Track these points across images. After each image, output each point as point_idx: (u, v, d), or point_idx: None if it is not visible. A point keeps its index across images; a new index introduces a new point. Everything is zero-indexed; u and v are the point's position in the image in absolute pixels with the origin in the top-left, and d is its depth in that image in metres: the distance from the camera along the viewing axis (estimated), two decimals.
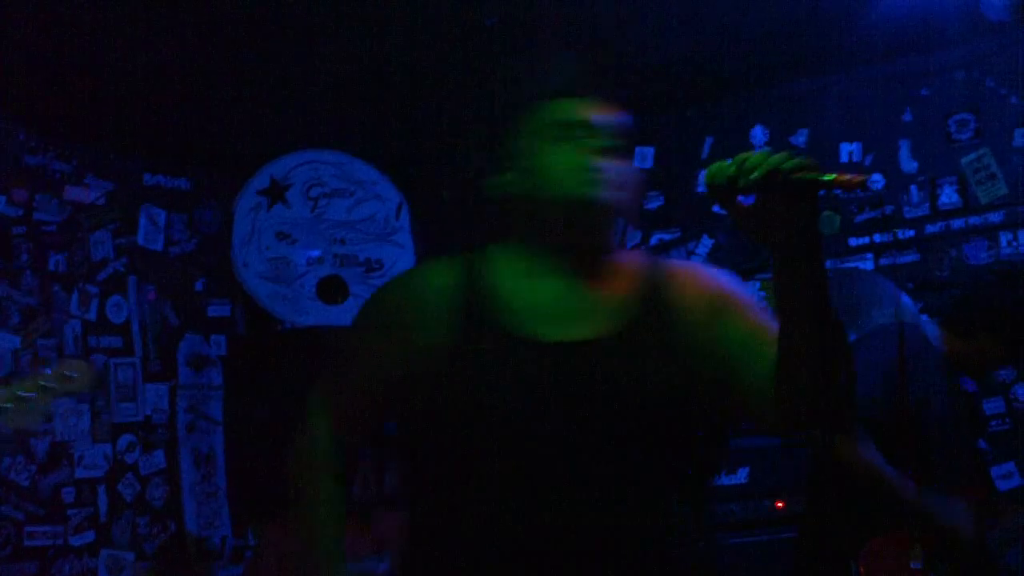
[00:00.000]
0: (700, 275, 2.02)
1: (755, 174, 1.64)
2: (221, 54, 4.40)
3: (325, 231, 5.47)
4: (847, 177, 1.61)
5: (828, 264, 4.99)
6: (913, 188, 4.98)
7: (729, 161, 1.71)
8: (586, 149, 1.95)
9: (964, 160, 4.89)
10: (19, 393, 3.04)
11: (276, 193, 5.42)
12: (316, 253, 5.44)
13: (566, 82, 2.05)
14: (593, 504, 1.83)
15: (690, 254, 5.33)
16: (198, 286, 5.63)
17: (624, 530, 1.84)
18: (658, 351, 1.91)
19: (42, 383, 3.07)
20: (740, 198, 1.71)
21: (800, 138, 5.17)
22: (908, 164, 5.00)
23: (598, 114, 2.00)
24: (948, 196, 4.91)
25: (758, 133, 5.23)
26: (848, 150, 5.10)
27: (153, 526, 5.23)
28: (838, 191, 1.64)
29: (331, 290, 5.43)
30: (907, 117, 5.00)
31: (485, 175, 2.07)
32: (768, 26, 4.50)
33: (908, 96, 5.01)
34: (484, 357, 1.91)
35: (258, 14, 4.09)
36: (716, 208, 1.84)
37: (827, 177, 1.62)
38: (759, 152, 1.68)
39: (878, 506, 3.34)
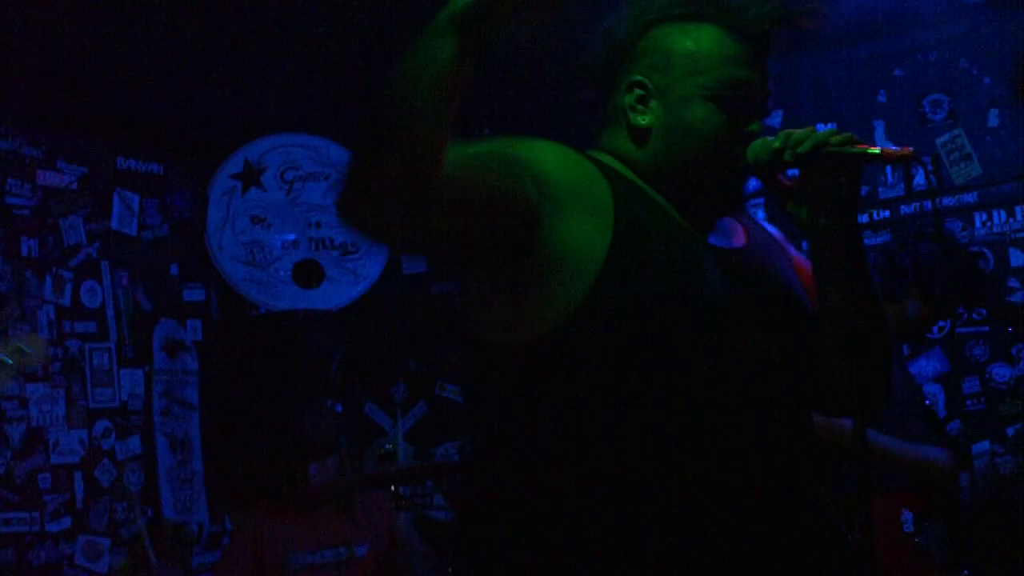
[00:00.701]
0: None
1: (803, 147, 1.67)
2: (193, 37, 4.37)
3: (300, 214, 5.45)
4: (895, 150, 1.63)
5: (803, 245, 5.03)
6: (888, 169, 5.00)
7: (772, 138, 1.73)
8: (747, 123, 1.78)
9: (938, 141, 4.90)
10: None
11: (250, 177, 5.39)
12: (291, 237, 5.42)
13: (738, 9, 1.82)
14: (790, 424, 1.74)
15: None
16: (172, 271, 5.60)
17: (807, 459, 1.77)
18: (782, 266, 1.89)
19: None
20: (782, 176, 1.75)
21: (775, 119, 5.16)
22: (883, 145, 4.99)
23: (765, 84, 1.85)
24: (922, 177, 4.92)
25: None
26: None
27: (130, 512, 5.21)
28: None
29: (307, 274, 5.41)
30: (881, 98, 5.01)
31: (616, 94, 1.84)
32: None
33: (882, 77, 5.02)
34: (670, 246, 1.72)
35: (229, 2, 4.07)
36: (756, 184, 1.82)
37: (874, 150, 1.66)
38: (805, 128, 1.72)
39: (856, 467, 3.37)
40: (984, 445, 4.67)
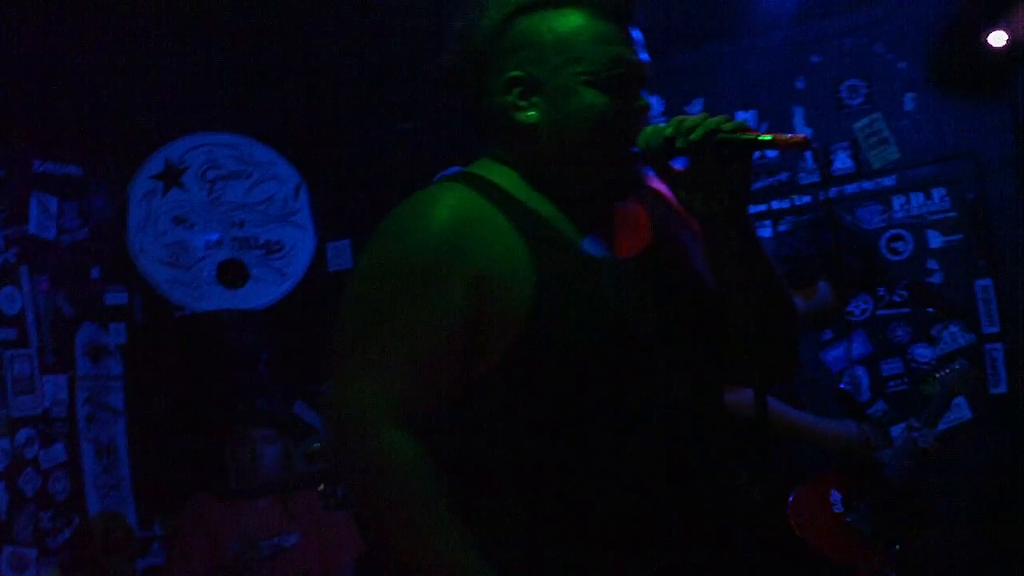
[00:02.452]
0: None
1: (695, 134, 1.65)
2: (109, 36, 4.31)
3: (223, 214, 5.39)
4: (787, 136, 1.63)
5: None
6: (808, 155, 5.05)
7: (663, 124, 1.72)
8: (634, 106, 1.76)
9: (856, 125, 4.97)
10: None
11: (171, 177, 5.32)
12: (215, 237, 5.36)
13: None
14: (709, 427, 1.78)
15: None
16: (94, 274, 5.51)
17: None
18: (686, 263, 1.87)
19: None
20: (673, 162, 1.72)
21: (695, 107, 5.21)
22: (802, 131, 5.07)
23: (640, 53, 1.80)
24: (842, 161, 4.99)
25: (654, 103, 5.24)
26: (743, 118, 5.14)
27: (57, 520, 5.13)
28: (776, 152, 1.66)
29: (231, 274, 5.35)
30: (799, 84, 5.07)
31: (490, 95, 1.80)
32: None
33: (799, 63, 5.07)
34: (583, 280, 1.72)
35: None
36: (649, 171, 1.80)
37: (765, 137, 1.63)
38: (697, 115, 1.69)
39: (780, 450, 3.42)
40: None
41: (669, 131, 1.69)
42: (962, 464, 4.61)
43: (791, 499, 3.41)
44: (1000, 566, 4.52)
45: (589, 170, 1.77)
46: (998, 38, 4.41)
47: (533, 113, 1.76)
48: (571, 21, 1.76)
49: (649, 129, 1.73)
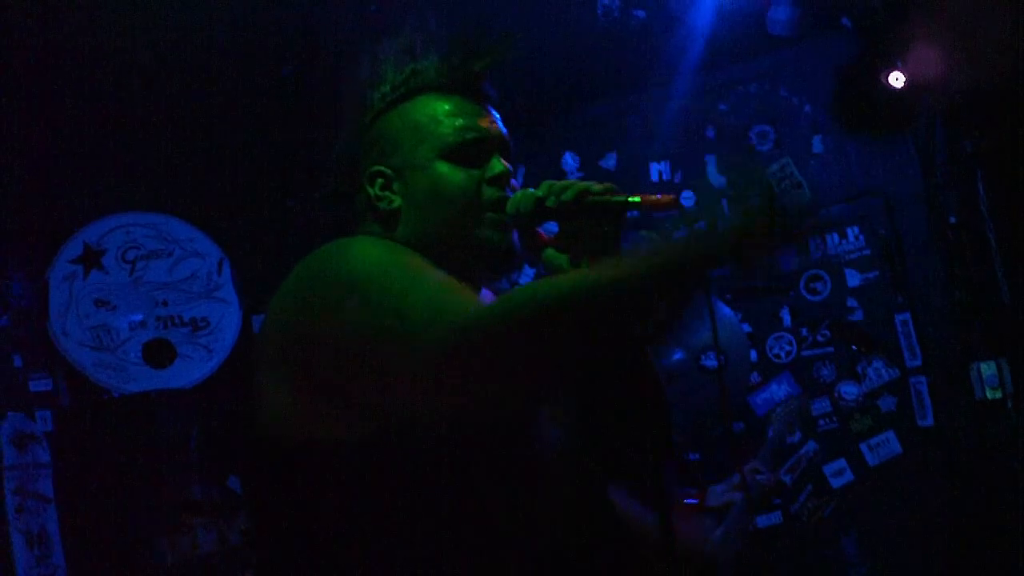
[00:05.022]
0: None
1: (566, 194, 1.68)
2: (19, 120, 4.30)
3: (146, 294, 5.36)
4: (655, 197, 1.65)
5: None
6: (724, 202, 5.10)
7: (532, 189, 1.74)
8: (488, 166, 1.78)
9: (768, 171, 5.03)
10: None
11: (91, 260, 5.28)
12: (138, 317, 5.32)
13: (457, 71, 1.84)
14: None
15: (513, 284, 5.37)
16: (16, 362, 5.44)
17: None
18: None
19: None
20: (541, 228, 1.75)
21: (610, 161, 5.26)
22: (716, 179, 5.13)
23: (495, 125, 1.83)
24: None
25: (568, 159, 5.31)
26: (658, 169, 5.21)
27: None
28: (657, 213, 1.66)
29: (157, 353, 5.31)
30: (710, 133, 5.13)
31: (356, 183, 1.83)
32: (566, 52, 4.58)
33: (709, 112, 5.14)
34: None
35: (56, 79, 4.01)
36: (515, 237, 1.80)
37: (634, 199, 1.66)
38: (566, 180, 1.71)
39: None
40: (840, 463, 4.78)
41: (541, 192, 1.71)
42: (894, 498, 4.65)
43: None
44: None
45: (459, 243, 1.77)
46: (897, 79, 4.50)
47: (396, 199, 1.79)
48: (418, 106, 1.82)
49: (519, 194, 1.75)
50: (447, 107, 1.80)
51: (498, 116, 1.85)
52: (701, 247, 1.50)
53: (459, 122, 1.79)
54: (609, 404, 1.80)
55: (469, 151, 1.78)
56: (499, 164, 1.79)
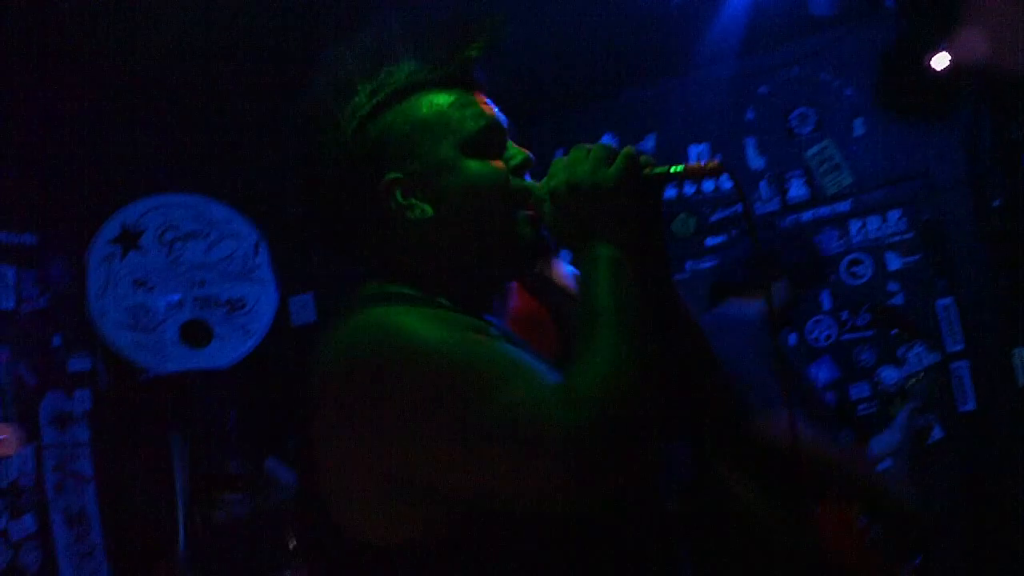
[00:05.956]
0: None
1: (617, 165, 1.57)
2: (60, 102, 4.31)
3: (183, 274, 5.36)
4: (699, 164, 1.59)
5: (687, 265, 5.10)
6: (762, 184, 5.09)
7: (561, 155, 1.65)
8: (515, 162, 1.67)
9: (808, 153, 5.00)
10: None
11: (129, 241, 5.29)
12: (175, 298, 5.33)
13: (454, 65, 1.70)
14: None
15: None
16: (55, 342, 5.47)
17: None
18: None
19: None
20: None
21: (648, 143, 5.24)
22: (755, 161, 5.10)
23: (494, 111, 1.71)
24: (796, 189, 5.02)
25: (607, 141, 5.28)
26: (697, 152, 5.19)
27: None
28: (693, 185, 1.63)
29: (194, 334, 5.32)
30: (749, 115, 5.10)
31: (369, 209, 1.65)
32: (607, 36, 4.56)
33: (749, 95, 5.12)
34: None
35: (96, 62, 4.02)
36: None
37: (677, 168, 1.59)
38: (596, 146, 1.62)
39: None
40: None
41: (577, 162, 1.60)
42: (935, 483, 4.63)
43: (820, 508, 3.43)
44: None
45: (497, 241, 1.65)
46: (941, 60, 4.45)
47: (426, 207, 1.63)
48: (423, 103, 1.67)
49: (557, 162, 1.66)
50: (452, 99, 1.67)
51: (491, 100, 1.73)
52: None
53: (469, 112, 1.66)
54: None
55: (486, 141, 1.65)
56: (518, 151, 1.68)
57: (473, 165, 1.64)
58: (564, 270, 1.84)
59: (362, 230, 1.68)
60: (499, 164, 1.65)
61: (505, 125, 1.70)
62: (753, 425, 3.29)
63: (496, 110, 1.70)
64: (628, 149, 1.58)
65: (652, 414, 1.43)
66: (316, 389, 1.56)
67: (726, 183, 5.05)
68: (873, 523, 3.53)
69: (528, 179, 1.67)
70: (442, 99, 1.66)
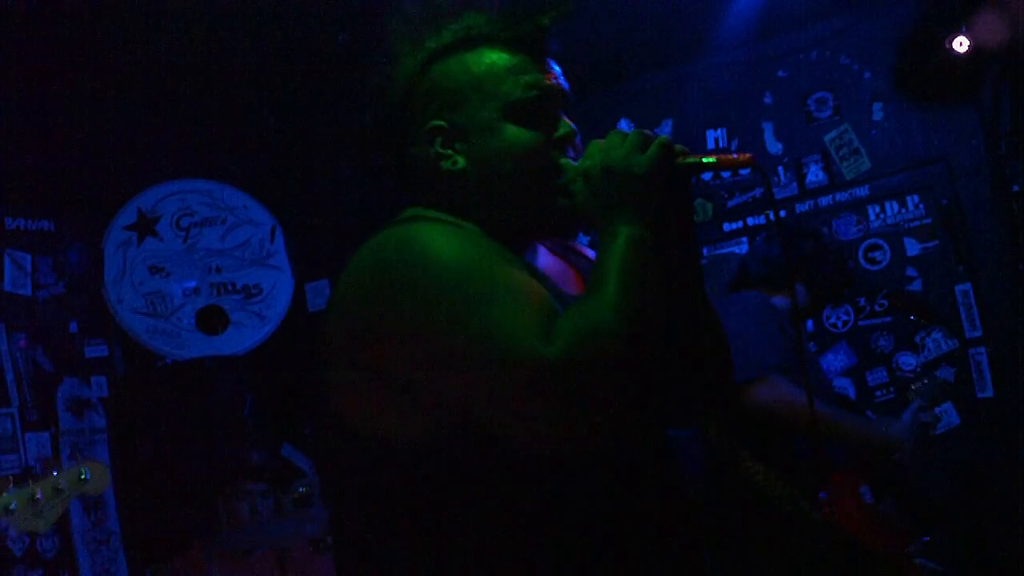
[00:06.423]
0: None
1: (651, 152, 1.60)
2: (75, 89, 4.30)
3: (199, 261, 5.37)
4: (731, 156, 1.61)
5: (704, 251, 5.08)
6: (780, 169, 5.06)
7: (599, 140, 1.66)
8: (558, 135, 1.69)
9: (827, 138, 4.97)
10: (35, 495, 2.91)
11: (145, 226, 5.30)
12: (192, 284, 5.34)
13: (519, 27, 1.72)
14: None
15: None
16: (72, 328, 5.48)
17: None
18: None
19: (57, 486, 2.95)
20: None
21: (665, 128, 5.22)
22: (773, 146, 5.08)
23: (557, 82, 1.72)
24: (814, 174, 4.99)
25: (624, 127, 5.26)
26: (714, 136, 5.16)
27: None
28: (726, 173, 1.64)
29: (211, 320, 5.33)
30: (767, 100, 5.08)
31: (413, 147, 1.72)
32: (624, 21, 4.53)
33: (766, 79, 5.09)
34: None
35: (111, 48, 4.01)
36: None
37: (710, 159, 1.61)
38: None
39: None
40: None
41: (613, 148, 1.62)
42: (952, 470, 4.61)
43: (823, 494, 3.43)
44: (990, 570, 4.51)
45: (528, 208, 1.69)
46: (961, 44, 4.42)
47: (460, 159, 1.69)
48: (484, 59, 1.71)
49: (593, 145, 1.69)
50: (512, 62, 1.69)
51: (559, 71, 1.75)
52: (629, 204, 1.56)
53: (524, 79, 1.68)
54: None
55: (535, 109, 1.68)
56: (565, 125, 1.70)
57: (512, 131, 1.67)
58: (588, 252, 1.85)
59: (409, 163, 1.74)
60: (542, 134, 1.67)
61: (566, 97, 1.73)
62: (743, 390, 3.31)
63: (560, 81, 1.73)
64: (663, 138, 1.61)
65: (636, 370, 1.46)
66: (336, 292, 1.63)
67: (744, 169, 5.02)
68: (880, 499, 3.54)
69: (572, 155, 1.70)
70: (502, 59, 1.70)
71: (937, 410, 4.70)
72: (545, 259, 1.79)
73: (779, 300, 3.60)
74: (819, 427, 3.34)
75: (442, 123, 1.70)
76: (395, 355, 1.53)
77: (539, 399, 1.42)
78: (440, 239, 1.56)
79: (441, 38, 1.73)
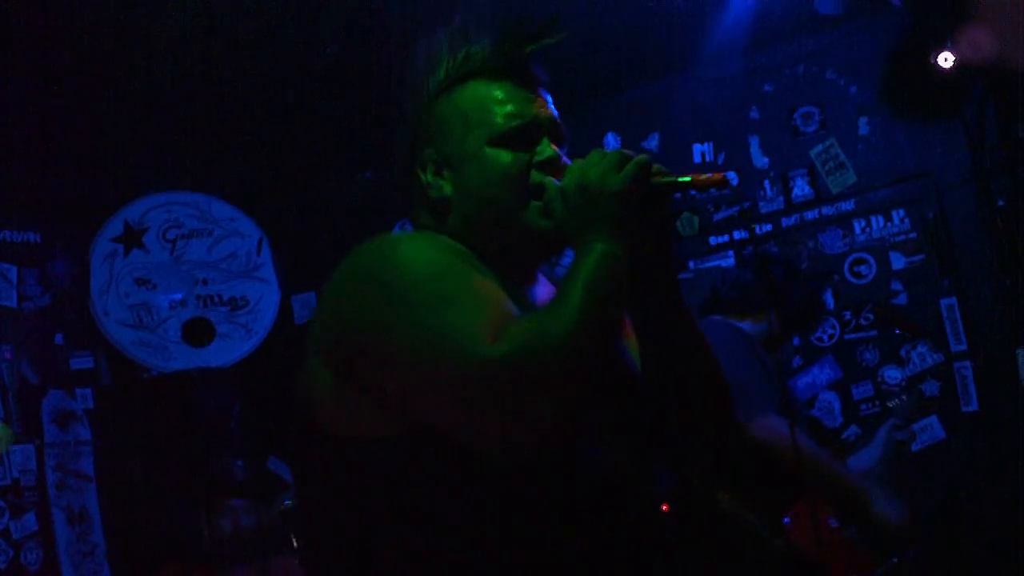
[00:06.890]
0: None
1: (626, 171, 1.65)
2: (62, 100, 4.30)
3: (186, 273, 5.36)
4: (704, 176, 1.64)
5: (691, 264, 5.09)
6: (766, 183, 5.08)
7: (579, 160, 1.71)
8: (539, 159, 1.74)
9: (813, 152, 4.99)
10: None
11: (131, 238, 5.29)
12: (178, 296, 5.33)
13: (504, 58, 1.80)
14: None
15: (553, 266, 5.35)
16: (57, 340, 5.47)
17: None
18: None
19: None
20: None
21: (652, 142, 5.23)
22: (760, 160, 5.09)
23: (544, 109, 1.80)
24: (800, 188, 5.01)
25: (611, 140, 5.28)
26: (700, 150, 5.18)
27: None
28: (695, 192, 1.66)
29: (197, 332, 5.32)
30: (754, 114, 5.09)
31: (414, 174, 1.82)
32: (612, 35, 4.54)
33: (753, 93, 5.10)
34: None
35: (100, 61, 4.01)
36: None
37: (684, 179, 1.64)
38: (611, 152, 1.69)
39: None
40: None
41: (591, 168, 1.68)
42: (937, 483, 4.61)
43: (787, 520, 3.42)
44: None
45: (507, 230, 1.74)
46: (946, 59, 4.43)
47: (446, 186, 1.77)
48: (469, 92, 1.79)
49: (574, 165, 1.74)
50: (497, 93, 1.77)
51: (549, 98, 1.82)
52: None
53: (508, 109, 1.76)
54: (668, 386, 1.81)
55: (515, 137, 1.75)
56: (548, 148, 1.76)
57: (493, 155, 1.74)
58: None
59: (410, 192, 1.84)
60: (523, 158, 1.74)
61: (553, 123, 1.79)
62: (736, 428, 3.30)
63: (548, 108, 1.80)
64: (641, 157, 1.66)
65: (575, 380, 1.51)
66: (320, 295, 1.73)
67: (732, 180, 5.03)
68: (845, 524, 3.53)
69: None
70: (490, 91, 1.78)
71: (921, 424, 4.72)
72: (545, 290, 1.82)
73: (746, 325, 3.62)
74: (805, 469, 3.34)
75: (433, 154, 1.79)
76: (360, 352, 1.60)
77: (475, 395, 1.47)
78: (414, 245, 1.68)
79: (439, 80, 1.82)
